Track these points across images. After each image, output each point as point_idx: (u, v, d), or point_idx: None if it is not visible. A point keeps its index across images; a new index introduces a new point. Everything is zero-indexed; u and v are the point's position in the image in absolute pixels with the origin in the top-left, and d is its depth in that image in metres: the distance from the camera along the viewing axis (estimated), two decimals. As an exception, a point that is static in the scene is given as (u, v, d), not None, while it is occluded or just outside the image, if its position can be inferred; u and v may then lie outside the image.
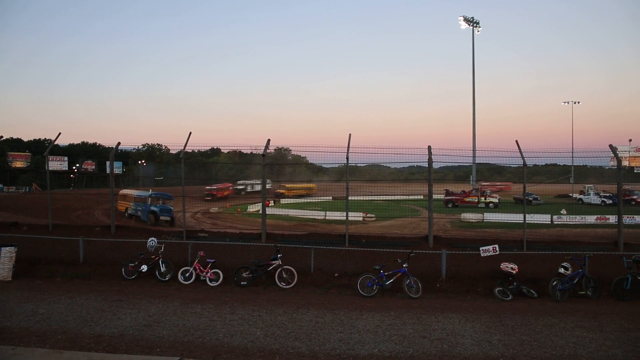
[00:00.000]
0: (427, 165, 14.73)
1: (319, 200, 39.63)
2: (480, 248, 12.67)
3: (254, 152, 20.24)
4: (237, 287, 12.58)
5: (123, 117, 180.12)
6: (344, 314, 9.89)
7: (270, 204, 37.48)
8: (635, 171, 47.78)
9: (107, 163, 17.75)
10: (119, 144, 17.17)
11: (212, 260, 13.04)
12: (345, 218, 15.10)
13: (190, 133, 16.11)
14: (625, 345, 8.10)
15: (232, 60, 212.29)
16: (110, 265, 13.98)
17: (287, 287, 12.55)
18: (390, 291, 11.80)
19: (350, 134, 15.05)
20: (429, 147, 14.36)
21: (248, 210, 34.03)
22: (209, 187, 39.20)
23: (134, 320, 9.18)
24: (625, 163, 46.24)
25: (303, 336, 8.38)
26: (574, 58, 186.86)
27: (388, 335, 8.50)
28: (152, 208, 29.94)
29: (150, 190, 32.45)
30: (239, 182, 42.50)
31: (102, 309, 10.00)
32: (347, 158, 14.86)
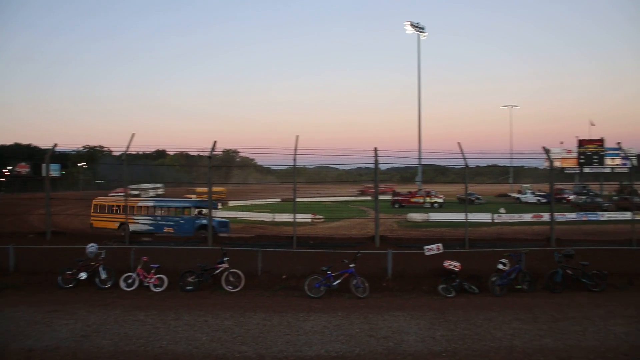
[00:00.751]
0: (375, 167, 14.98)
1: (268, 202, 39.44)
2: (424, 247, 13.01)
3: (202, 154, 19.79)
4: (182, 292, 12.24)
5: (61, 118, 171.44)
6: (291, 316, 9.86)
7: (218, 206, 36.84)
8: (566, 171, 50.82)
9: (44, 165, 16.75)
10: (55, 145, 16.32)
11: (156, 266, 12.61)
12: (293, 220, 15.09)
13: (134, 134, 15.57)
14: (555, 334, 8.62)
15: (184, 61, 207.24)
16: (46, 274, 13.17)
17: (234, 290, 12.35)
18: (338, 292, 11.88)
19: (297, 136, 15.07)
20: (375, 149, 14.61)
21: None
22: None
23: (70, 332, 8.73)
24: (557, 164, 49.12)
25: (250, 340, 8.29)
26: (511, 63, 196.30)
27: (335, 336, 8.55)
28: (204, 222, 21.74)
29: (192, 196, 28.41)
30: (131, 186, 38.97)
31: (35, 321, 9.44)
32: (295, 160, 14.86)
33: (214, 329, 8.94)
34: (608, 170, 48.34)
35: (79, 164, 66.53)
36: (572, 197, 43.90)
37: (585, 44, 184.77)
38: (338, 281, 11.88)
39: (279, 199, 36.29)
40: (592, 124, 62.86)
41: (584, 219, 32.07)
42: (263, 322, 9.37)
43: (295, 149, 14.94)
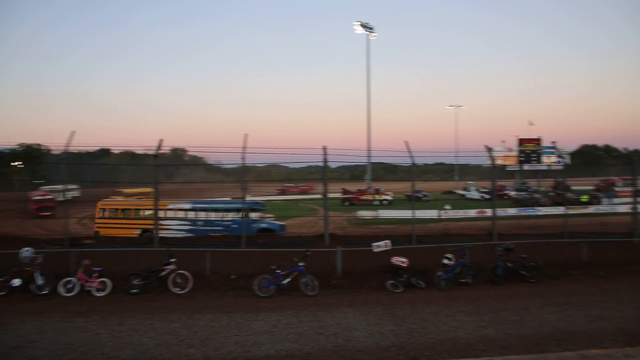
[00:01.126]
0: (329, 165, 15.10)
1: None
2: (373, 244, 13.25)
3: (148, 152, 19.22)
4: (127, 295, 11.84)
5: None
6: (240, 316, 9.76)
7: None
8: (507, 169, 53.26)
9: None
10: (-16, 143, 15.31)
11: (99, 269, 12.12)
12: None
13: (73, 132, 14.79)
14: (496, 324, 9.01)
15: (128, 56, 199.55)
16: (-28, 282, 12.33)
17: (182, 292, 12.08)
18: (288, 290, 11.88)
19: (246, 134, 14.91)
20: (324, 148, 14.71)
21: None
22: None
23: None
24: (499, 162, 51.38)
25: (197, 342, 8.13)
26: (457, 64, 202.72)
27: (284, 335, 8.54)
28: (263, 225, 20.40)
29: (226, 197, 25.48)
30: (41, 187, 36.65)
31: (-40, 333, 8.83)
32: (243, 158, 14.73)
33: (161, 332, 8.70)
34: (545, 167, 51.07)
35: (13, 163, 62.72)
36: (513, 193, 45.96)
37: (523, 46, 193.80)
38: (287, 280, 11.88)
39: (228, 198, 35.72)
40: (531, 124, 66.17)
41: (523, 213, 33.61)
42: (211, 324, 9.22)
43: (244, 147, 14.79)
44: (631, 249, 15.03)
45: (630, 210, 17.12)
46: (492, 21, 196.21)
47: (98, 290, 11.94)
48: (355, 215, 33.30)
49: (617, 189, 42.99)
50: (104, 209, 21.54)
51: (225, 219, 20.60)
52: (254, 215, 20.31)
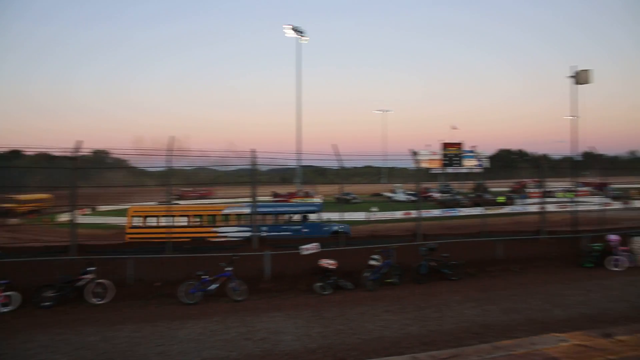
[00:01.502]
0: (258, 168, 14.97)
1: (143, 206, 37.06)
2: (301, 247, 13.30)
3: (66, 154, 18.02)
4: (38, 309, 11.00)
5: None
6: (164, 325, 9.40)
7: (86, 212, 33.76)
8: (431, 172, 55.59)
9: None
10: None
11: (5, 282, 11.15)
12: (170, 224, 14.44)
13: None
14: (420, 322, 9.35)
15: (52, 54, 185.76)
16: None
17: (102, 302, 11.43)
18: (215, 296, 11.61)
19: (172, 137, 14.45)
20: (253, 151, 14.59)
21: (58, 219, 30.16)
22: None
23: None
24: (424, 165, 53.59)
25: (117, 355, 7.72)
26: (386, 70, 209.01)
27: (211, 342, 8.34)
28: (334, 228, 19.70)
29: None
30: None
31: None
32: (169, 161, 14.25)
33: (76, 347, 8.16)
34: (466, 170, 53.84)
35: None
36: (437, 195, 48.08)
37: (448, 54, 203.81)
38: (215, 285, 11.62)
39: (155, 202, 34.35)
40: (454, 128, 69.76)
41: (446, 214, 35.25)
42: (133, 335, 8.79)
43: (171, 150, 14.32)
44: (538, 245, 16.26)
45: (538, 210, 18.46)
46: (421, 27, 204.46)
47: (4, 305, 10.97)
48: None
49: (528, 190, 46.31)
50: (138, 216, 19.76)
51: (292, 221, 20.37)
52: (312, 216, 20.31)
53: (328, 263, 12.49)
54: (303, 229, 19.94)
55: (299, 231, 19.63)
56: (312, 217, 21.25)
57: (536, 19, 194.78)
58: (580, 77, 17.96)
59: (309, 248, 13.20)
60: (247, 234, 17.55)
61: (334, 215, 20.85)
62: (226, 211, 20.23)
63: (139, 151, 17.31)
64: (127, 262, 12.59)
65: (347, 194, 45.78)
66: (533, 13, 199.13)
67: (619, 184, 43.64)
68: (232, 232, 19.00)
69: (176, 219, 18.74)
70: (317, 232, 19.42)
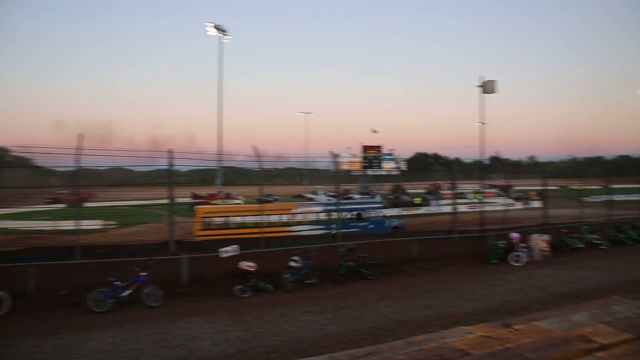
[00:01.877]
0: (178, 169, 14.44)
1: (49, 208, 34.38)
2: (220, 249, 13.01)
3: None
4: None
5: None
6: (70, 337, 8.75)
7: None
8: (352, 174, 56.94)
9: None
10: None
11: None
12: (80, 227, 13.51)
13: None
14: (339, 321, 9.51)
15: None
16: None
17: (-5, 316, 10.41)
18: (129, 303, 11.02)
19: (82, 134, 13.53)
20: (170, 151, 14.06)
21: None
22: None
23: None
24: (345, 167, 54.76)
25: (13, 372, 7.07)
26: (311, 73, 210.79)
27: (123, 352, 7.90)
28: (395, 223, 21.77)
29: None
30: None
31: None
32: (78, 160, 13.35)
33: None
34: (385, 172, 55.74)
35: None
36: (357, 196, 49.26)
37: (371, 59, 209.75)
38: (128, 292, 11.02)
39: (64, 205, 31.98)
40: (374, 132, 71.75)
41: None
42: (31, 350, 8.09)
43: (80, 148, 13.41)
44: (451, 244, 17.22)
45: (451, 211, 19.52)
46: (345, 31, 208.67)
47: None
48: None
49: (442, 192, 48.86)
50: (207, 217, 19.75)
51: (361, 218, 21.44)
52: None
53: (248, 265, 12.33)
54: (370, 225, 21.48)
55: (366, 227, 21.29)
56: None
57: (452, 29, 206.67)
58: (487, 87, 19.28)
59: (228, 250, 12.95)
60: (320, 232, 19.86)
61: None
62: (302, 209, 21.63)
63: (45, 149, 15.96)
64: (27, 270, 11.58)
65: (269, 195, 45.58)
66: (452, 23, 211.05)
67: (520, 186, 47.41)
68: (305, 230, 20.40)
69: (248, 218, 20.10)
70: (382, 227, 21.69)
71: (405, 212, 29.75)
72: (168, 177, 14.34)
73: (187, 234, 23.60)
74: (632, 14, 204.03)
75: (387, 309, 10.35)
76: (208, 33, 57.15)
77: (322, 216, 21.32)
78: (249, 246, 14.69)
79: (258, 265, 12.51)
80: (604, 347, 3.94)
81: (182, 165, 15.85)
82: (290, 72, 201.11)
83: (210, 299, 11.81)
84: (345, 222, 20.64)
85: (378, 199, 27.00)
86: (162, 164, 15.24)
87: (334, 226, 19.33)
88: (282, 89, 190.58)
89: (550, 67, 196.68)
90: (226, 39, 58.84)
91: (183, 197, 42.45)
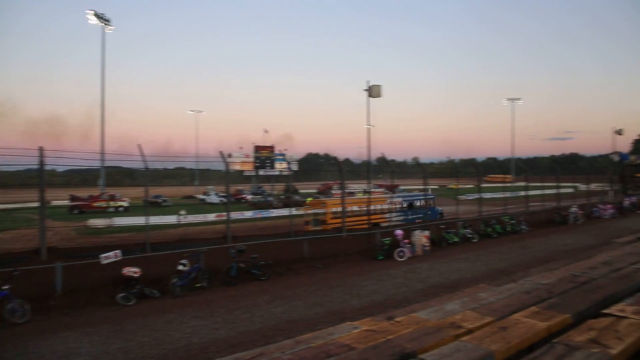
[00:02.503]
0: (54, 168, 13.07)
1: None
2: (100, 255, 12.07)
3: None
4: None
5: None
6: None
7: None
8: (245, 174, 56.45)
9: None
10: None
11: None
12: None
13: None
14: (229, 324, 9.35)
15: None
16: None
17: None
18: (-12, 321, 9.75)
19: None
20: (40, 149, 12.71)
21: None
22: None
23: None
24: (237, 167, 54.14)
25: None
26: (198, 70, 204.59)
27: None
28: (439, 210, 28.42)
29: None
30: None
31: None
32: None
33: None
34: (277, 173, 56.08)
35: None
36: (250, 197, 48.92)
37: (265, 59, 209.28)
38: (-15, 309, 9.75)
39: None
40: (266, 132, 71.77)
41: (259, 216, 36.10)
42: None
43: None
44: (341, 242, 17.80)
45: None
46: (242, 31, 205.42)
47: None
48: (85, 225, 29.94)
49: (333, 191, 50.36)
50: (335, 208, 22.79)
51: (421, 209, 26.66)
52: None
53: (132, 271, 11.59)
54: (428, 211, 26.69)
55: (426, 214, 26.15)
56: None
57: (349, 33, 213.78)
58: (373, 91, 20.26)
59: (110, 256, 12.05)
60: (401, 218, 25.34)
61: (141, 220, 19.65)
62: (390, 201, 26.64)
63: None
64: None
65: (158, 196, 43.42)
66: (350, 27, 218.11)
67: (405, 185, 50.61)
68: (395, 217, 25.24)
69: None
70: (435, 214, 27.35)
71: (298, 212, 30.14)
72: (39, 178, 12.94)
73: (65, 240, 21.61)
74: (503, 30, 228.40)
75: (278, 309, 10.38)
76: (89, 22, 52.91)
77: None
78: (134, 250, 13.83)
79: (145, 270, 11.83)
80: (469, 332, 4.31)
81: (57, 165, 14.45)
82: (182, 69, 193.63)
83: (89, 310, 10.88)
84: (408, 210, 26.93)
85: (430, 192, 30.98)
86: (32, 162, 13.74)
87: (409, 213, 26.14)
88: (174, 86, 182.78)
89: (435, 74, 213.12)
90: (109, 30, 54.92)
91: (60, 199, 38.81)
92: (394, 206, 26.68)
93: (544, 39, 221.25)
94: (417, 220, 24.76)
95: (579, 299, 5.29)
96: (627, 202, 31.72)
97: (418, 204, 27.95)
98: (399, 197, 28.64)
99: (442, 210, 29.32)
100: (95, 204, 40.01)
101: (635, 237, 11.23)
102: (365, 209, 22.24)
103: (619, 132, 42.30)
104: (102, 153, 43.06)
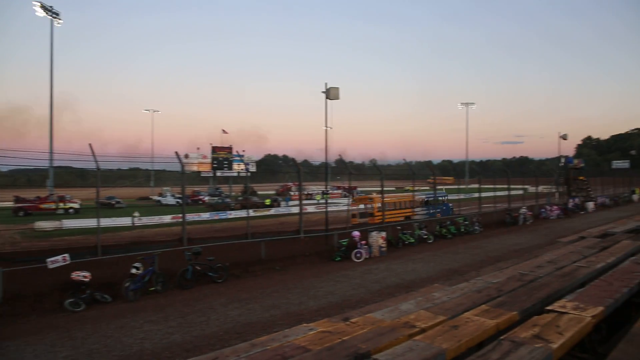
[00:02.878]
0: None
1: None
2: (47, 260, 11.55)
3: None
4: None
5: None
6: None
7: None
8: (202, 175, 55.44)
9: None
10: None
11: None
12: None
13: None
14: (184, 329, 9.14)
15: None
16: None
17: None
18: None
19: None
20: (-19, 147, 12.05)
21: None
22: None
23: None
24: (194, 168, 53.09)
25: None
26: (156, 67, 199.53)
27: None
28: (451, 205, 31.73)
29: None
30: None
31: None
32: None
33: None
34: (235, 174, 55.35)
35: None
36: (207, 198, 48.12)
37: (220, 60, 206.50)
38: None
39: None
40: (224, 132, 70.75)
41: (216, 217, 35.56)
42: None
43: None
44: (298, 244, 17.78)
45: (299, 211, 20.17)
46: (197, 31, 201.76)
47: None
48: (32, 227, 28.56)
49: (292, 193, 50.35)
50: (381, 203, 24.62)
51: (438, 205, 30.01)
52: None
53: (82, 275, 11.15)
54: (443, 207, 30.13)
55: (442, 209, 29.67)
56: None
57: (310, 35, 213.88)
58: (331, 93, 20.38)
59: (57, 260, 11.54)
60: (424, 212, 29.09)
61: (93, 222, 18.98)
62: (418, 197, 30.51)
63: None
64: None
65: (111, 197, 42.02)
66: (313, 28, 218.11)
67: (363, 187, 51.17)
68: (421, 211, 29.25)
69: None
70: (448, 209, 30.45)
71: (256, 214, 29.95)
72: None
73: (8, 244, 20.55)
74: (458, 39, 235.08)
75: (235, 311, 10.25)
76: (36, 14, 50.51)
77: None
78: (84, 254, 13.32)
79: (96, 274, 11.42)
80: (423, 331, 4.41)
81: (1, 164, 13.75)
82: (137, 68, 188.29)
83: (33, 318, 10.37)
84: (430, 206, 29.74)
85: (444, 191, 34.13)
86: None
87: (431, 208, 29.24)
88: (130, 85, 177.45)
89: (395, 78, 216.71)
90: (58, 23, 52.63)
91: (4, 200, 36.88)
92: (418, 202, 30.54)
93: (496, 47, 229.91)
94: (437, 215, 28.05)
95: (525, 296, 5.52)
96: (571, 203, 33.36)
97: (438, 199, 30.62)
98: (422, 195, 31.79)
99: (452, 205, 31.69)
100: (43, 206, 38.26)
101: (578, 237, 11.79)
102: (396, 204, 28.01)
103: (564, 137, 44.37)
104: (51, 152, 41.33)
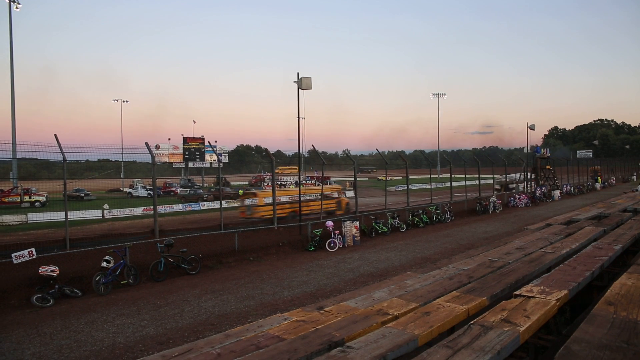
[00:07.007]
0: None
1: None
2: (12, 254, 11.21)
3: None
4: None
5: None
6: None
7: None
8: (174, 166, 54.63)
9: None
10: None
11: None
12: None
13: None
14: (157, 321, 9.05)
15: None
16: None
17: None
18: None
19: None
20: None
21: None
22: None
23: None
24: (165, 159, 52.28)
25: None
26: (128, 58, 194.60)
27: None
28: None
29: None
30: None
31: None
32: None
33: None
34: (208, 165, 54.77)
35: None
36: (179, 189, 47.45)
37: (193, 49, 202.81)
38: None
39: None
40: (194, 122, 69.78)
41: (188, 209, 35.12)
42: None
43: None
44: (272, 234, 17.75)
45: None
46: (168, 22, 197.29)
47: None
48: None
49: (265, 183, 50.03)
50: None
51: None
52: None
53: (49, 270, 10.87)
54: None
55: None
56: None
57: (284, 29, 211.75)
58: (303, 83, 20.25)
59: (22, 255, 11.21)
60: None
61: (61, 215, 18.52)
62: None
63: None
64: None
65: (80, 190, 40.92)
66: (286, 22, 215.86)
67: (336, 177, 51.30)
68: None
69: None
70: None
71: (229, 205, 29.69)
72: None
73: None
74: (436, 31, 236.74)
75: (209, 303, 10.20)
76: None
77: None
78: (52, 248, 12.98)
79: (64, 268, 11.18)
80: (395, 317, 4.49)
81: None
82: (105, 57, 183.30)
83: (-2, 315, 10.09)
84: None
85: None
86: None
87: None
88: (99, 74, 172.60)
89: (368, 69, 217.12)
90: (17, 8, 50.51)
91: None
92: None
93: (468, 38, 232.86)
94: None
95: (495, 282, 5.68)
96: (538, 192, 34.30)
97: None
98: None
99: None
100: (7, 199, 37.03)
101: (545, 224, 12.16)
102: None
103: (531, 128, 45.41)
104: (14, 144, 39.86)
